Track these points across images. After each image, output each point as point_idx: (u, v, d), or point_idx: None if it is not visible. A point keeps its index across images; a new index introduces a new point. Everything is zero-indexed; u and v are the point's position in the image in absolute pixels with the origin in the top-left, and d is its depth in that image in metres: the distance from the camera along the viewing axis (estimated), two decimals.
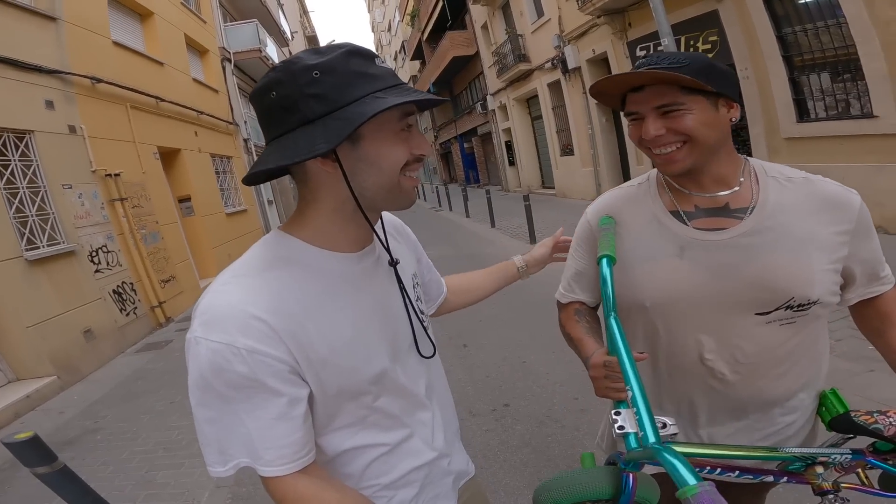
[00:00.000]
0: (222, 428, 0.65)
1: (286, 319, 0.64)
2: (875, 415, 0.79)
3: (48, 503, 1.54)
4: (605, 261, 0.83)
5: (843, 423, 0.85)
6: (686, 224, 0.90)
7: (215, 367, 0.62)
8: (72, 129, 5.75)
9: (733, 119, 0.86)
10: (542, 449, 2.58)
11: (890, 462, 0.82)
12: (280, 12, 19.73)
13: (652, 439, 0.67)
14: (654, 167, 0.97)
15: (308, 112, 0.63)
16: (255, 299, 0.64)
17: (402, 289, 0.80)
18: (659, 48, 7.24)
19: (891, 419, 0.77)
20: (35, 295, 4.68)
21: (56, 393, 4.51)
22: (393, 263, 0.79)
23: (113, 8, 7.35)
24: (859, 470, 0.85)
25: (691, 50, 7.35)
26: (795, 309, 0.84)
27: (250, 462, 0.65)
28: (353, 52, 0.65)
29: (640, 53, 8.53)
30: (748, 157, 0.92)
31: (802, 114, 6.00)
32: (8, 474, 3.03)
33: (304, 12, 36.95)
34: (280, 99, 0.64)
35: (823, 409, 0.92)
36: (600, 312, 0.98)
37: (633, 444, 0.70)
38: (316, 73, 0.62)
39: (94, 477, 2.71)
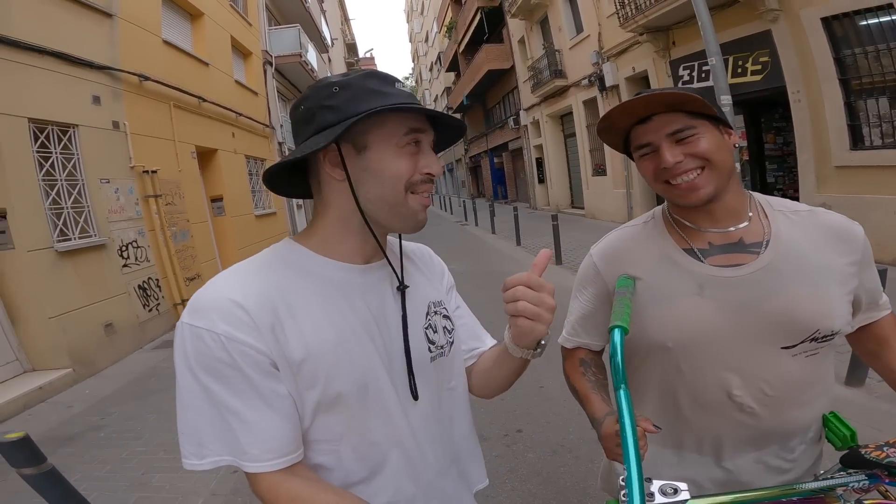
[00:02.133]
0: (202, 418, 0.63)
1: (267, 312, 0.64)
2: (885, 448, 0.78)
3: (39, 501, 1.52)
4: (617, 332, 0.76)
5: (854, 461, 0.82)
6: (702, 261, 0.89)
7: (197, 351, 0.62)
8: (115, 125, 5.93)
9: (735, 145, 0.88)
10: (553, 479, 2.46)
11: None
12: (322, 19, 20.30)
13: None
14: (663, 203, 0.96)
15: (322, 121, 0.69)
16: (240, 290, 0.65)
17: (404, 313, 0.76)
18: (705, 68, 7.04)
19: None
20: (60, 286, 4.76)
21: (69, 386, 4.51)
22: (401, 287, 0.77)
23: (166, 7, 7.62)
24: (881, 488, 0.84)
25: (739, 71, 7.11)
26: (820, 340, 0.85)
27: (233, 459, 0.63)
28: (372, 74, 0.71)
29: (682, 73, 8.31)
30: (751, 192, 0.93)
31: (857, 140, 5.69)
32: (4, 469, 3.02)
33: (346, 20, 38.00)
34: (304, 111, 0.71)
35: (828, 431, 0.93)
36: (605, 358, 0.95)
37: None
38: (335, 89, 0.69)
39: (88, 476, 2.69)
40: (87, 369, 4.81)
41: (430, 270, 0.90)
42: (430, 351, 0.80)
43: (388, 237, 0.82)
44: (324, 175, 0.72)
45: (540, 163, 16.96)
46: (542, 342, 0.77)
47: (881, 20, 5.19)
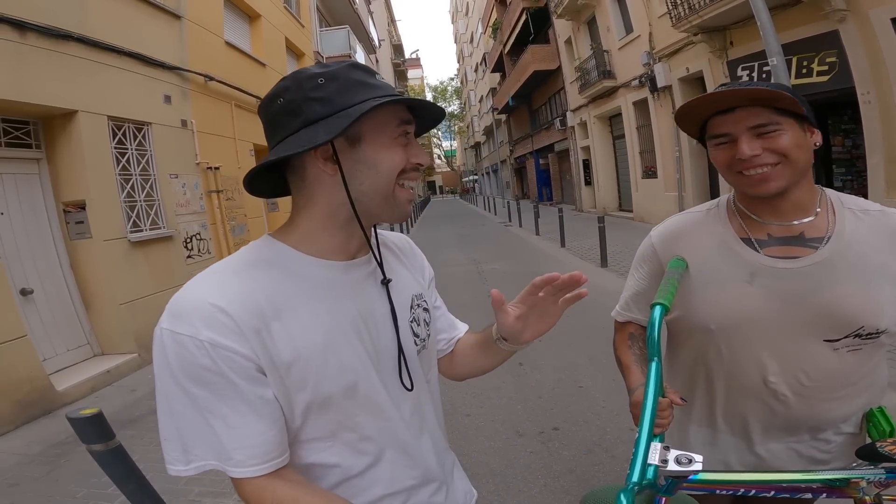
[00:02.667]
0: (186, 424, 0.62)
1: (251, 316, 0.63)
2: None
3: (102, 478, 1.50)
4: (658, 308, 0.83)
5: (868, 453, 0.84)
6: (758, 251, 0.91)
7: (180, 359, 0.61)
8: (183, 124, 6.34)
9: (817, 144, 0.88)
10: (587, 478, 2.45)
11: None
12: (370, 20, 20.74)
13: (634, 479, 0.70)
14: (735, 192, 0.97)
15: (311, 114, 0.66)
16: (222, 293, 0.63)
17: (392, 308, 0.76)
18: (766, 69, 6.74)
19: None
20: (132, 275, 5.08)
21: (134, 370, 4.69)
22: (385, 281, 0.76)
23: (228, 9, 8.05)
24: None
25: (804, 72, 6.79)
26: (864, 337, 0.85)
27: (218, 464, 0.63)
28: (355, 65, 0.69)
29: (741, 73, 7.99)
30: (824, 188, 0.94)
31: None
32: (69, 447, 3.17)
33: (392, 21, 38.57)
34: (286, 104, 0.68)
35: (871, 425, 0.93)
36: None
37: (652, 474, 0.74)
38: (321, 80, 0.66)
39: (146, 457, 2.78)
40: (151, 355, 5.12)
41: (411, 263, 0.90)
42: (416, 344, 0.80)
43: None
44: (312, 170, 0.70)
45: (587, 164, 16.68)
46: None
47: None
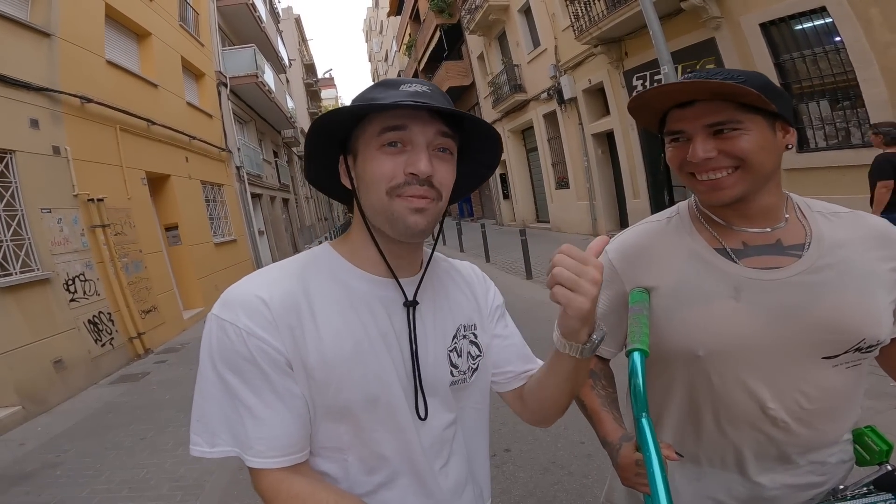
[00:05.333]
0: (216, 408, 0.65)
1: (289, 313, 0.65)
2: None
3: None
4: (637, 355, 0.71)
5: (889, 483, 0.79)
6: (736, 262, 0.81)
7: (220, 344, 0.64)
8: (56, 151, 5.58)
9: (789, 145, 0.80)
10: (548, 499, 2.37)
11: None
12: (279, 39, 20.12)
13: None
14: (690, 198, 0.89)
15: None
16: (267, 288, 0.67)
17: (412, 331, 0.73)
18: (657, 77, 7.28)
19: None
20: (4, 323, 4.44)
21: (19, 423, 4.28)
22: (407, 303, 0.74)
23: (110, 27, 7.30)
24: None
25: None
26: (864, 350, 0.78)
27: (239, 451, 0.64)
28: (380, 83, 0.70)
29: (636, 83, 8.60)
30: (789, 193, 0.86)
31: (802, 143, 5.96)
32: None
33: (303, 40, 37.92)
34: None
35: (858, 447, 0.89)
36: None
37: None
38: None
39: None
40: (37, 406, 4.50)
41: (471, 290, 0.85)
42: (453, 375, 0.77)
43: (424, 248, 0.81)
44: (347, 184, 0.74)
45: (504, 178, 17.17)
46: (594, 337, 0.67)
47: (815, 24, 5.50)
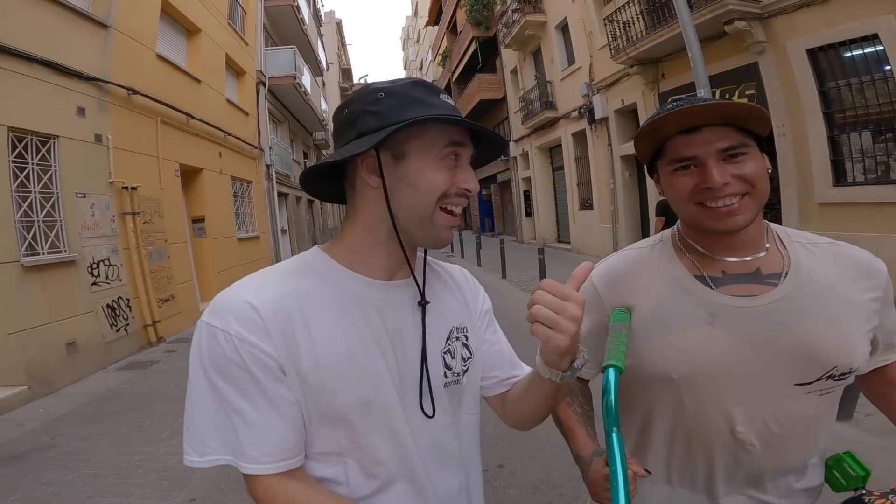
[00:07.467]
0: (207, 416, 0.65)
1: (280, 318, 0.65)
2: (890, 496, 0.75)
3: None
4: (612, 371, 0.72)
5: None
6: (713, 289, 0.83)
7: (211, 350, 0.64)
8: (98, 139, 5.80)
9: (769, 168, 0.82)
10: None
11: None
12: (319, 42, 20.59)
13: None
14: (682, 225, 0.91)
15: (364, 126, 0.69)
16: (258, 293, 0.66)
17: (424, 332, 0.75)
18: None
19: None
20: (24, 302, 4.56)
21: (23, 404, 4.32)
22: (422, 302, 0.76)
23: (163, 21, 7.61)
24: None
25: None
26: (837, 378, 0.79)
27: (232, 459, 0.64)
28: (418, 83, 0.71)
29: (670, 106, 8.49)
30: (767, 222, 0.89)
31: (839, 177, 5.76)
32: None
33: (343, 45, 38.79)
34: (348, 115, 0.71)
35: (836, 473, 0.88)
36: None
37: None
38: (381, 95, 0.69)
39: (29, 497, 2.57)
40: (44, 388, 4.58)
41: (462, 293, 0.87)
42: (446, 376, 0.78)
43: (417, 252, 0.81)
44: (359, 181, 0.72)
45: (528, 195, 17.11)
46: (575, 364, 0.69)
47: (865, 51, 5.31)
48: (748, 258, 0.84)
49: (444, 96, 0.71)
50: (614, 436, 0.69)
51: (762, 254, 0.84)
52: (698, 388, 0.83)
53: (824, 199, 5.83)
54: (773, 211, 6.61)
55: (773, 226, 0.89)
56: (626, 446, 0.89)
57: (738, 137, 0.77)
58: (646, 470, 0.74)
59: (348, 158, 0.69)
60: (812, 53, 5.82)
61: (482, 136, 0.75)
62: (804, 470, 0.88)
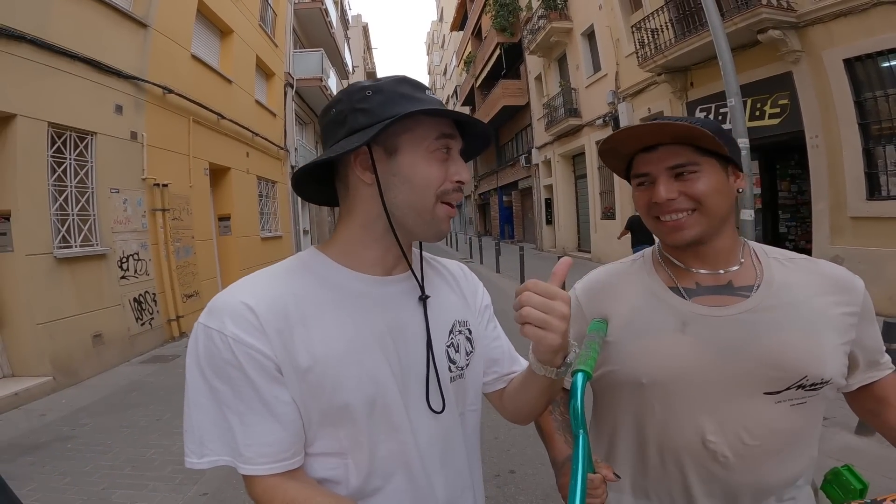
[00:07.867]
0: (206, 417, 0.65)
1: (276, 317, 0.65)
2: None
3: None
4: (580, 376, 0.72)
5: None
6: (686, 299, 0.87)
7: (207, 352, 0.64)
8: (133, 136, 5.99)
9: (740, 190, 0.87)
10: None
11: None
12: (346, 45, 20.88)
13: None
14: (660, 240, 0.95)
15: (354, 124, 0.69)
16: (253, 293, 0.66)
17: (427, 326, 0.74)
18: (723, 110, 6.99)
19: None
20: (54, 293, 4.69)
21: (47, 394, 4.39)
22: (423, 297, 0.76)
23: (199, 22, 7.84)
24: None
25: (757, 115, 7.09)
26: (808, 388, 0.80)
27: (230, 460, 0.64)
28: (404, 80, 0.72)
29: (699, 115, 8.32)
30: (746, 239, 0.93)
31: (873, 190, 5.58)
32: None
33: (368, 48, 39.26)
34: (336, 114, 0.72)
35: (834, 487, 0.88)
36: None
37: None
38: (368, 93, 0.70)
39: (44, 487, 2.57)
40: (68, 378, 4.69)
41: (460, 287, 0.88)
42: (451, 371, 0.78)
43: (413, 248, 0.81)
44: (352, 178, 0.72)
45: (549, 203, 16.97)
46: (567, 359, 0.70)
47: None
48: (721, 271, 0.87)
49: (429, 92, 0.72)
50: (580, 437, 0.70)
51: (735, 267, 0.87)
52: (668, 394, 0.85)
53: (858, 213, 5.64)
54: (803, 225, 6.42)
55: (752, 243, 0.92)
56: (602, 457, 0.93)
57: (690, 156, 0.81)
58: (615, 474, 0.75)
59: (341, 156, 0.70)
60: (849, 63, 5.66)
61: (469, 129, 0.76)
62: (787, 492, 0.86)
